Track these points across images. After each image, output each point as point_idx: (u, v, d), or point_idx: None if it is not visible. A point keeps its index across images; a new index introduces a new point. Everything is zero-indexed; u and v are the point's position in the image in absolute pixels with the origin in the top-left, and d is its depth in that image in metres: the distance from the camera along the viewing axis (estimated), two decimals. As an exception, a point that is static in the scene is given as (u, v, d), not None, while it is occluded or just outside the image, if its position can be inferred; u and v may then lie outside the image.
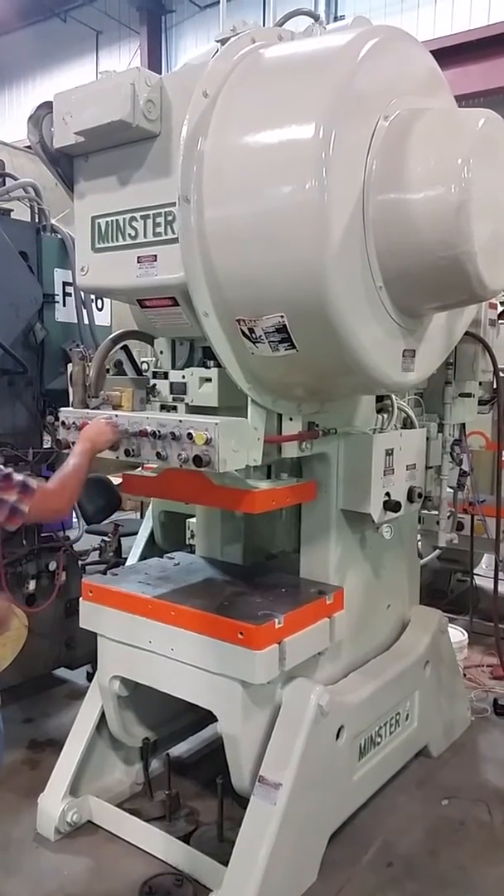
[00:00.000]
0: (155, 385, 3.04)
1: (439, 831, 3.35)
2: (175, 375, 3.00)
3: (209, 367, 2.88)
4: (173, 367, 3.11)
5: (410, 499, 3.44)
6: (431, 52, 2.87)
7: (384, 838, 3.27)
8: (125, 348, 3.54)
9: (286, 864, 2.81)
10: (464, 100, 3.07)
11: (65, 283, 4.14)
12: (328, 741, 3.02)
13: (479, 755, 4.02)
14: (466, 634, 4.81)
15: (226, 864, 2.79)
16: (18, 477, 2.39)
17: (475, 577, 5.64)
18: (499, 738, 4.19)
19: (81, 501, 4.28)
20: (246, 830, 2.80)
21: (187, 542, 3.98)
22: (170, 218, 2.65)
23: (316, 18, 3.02)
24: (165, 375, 3.03)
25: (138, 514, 7.38)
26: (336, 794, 3.15)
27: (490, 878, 3.08)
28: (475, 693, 4.58)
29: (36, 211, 4.14)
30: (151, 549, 4.08)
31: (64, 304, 4.16)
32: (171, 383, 2.99)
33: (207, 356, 2.96)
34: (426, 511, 3.98)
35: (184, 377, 2.95)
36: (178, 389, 2.97)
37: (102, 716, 3.36)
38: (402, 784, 3.65)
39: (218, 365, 2.80)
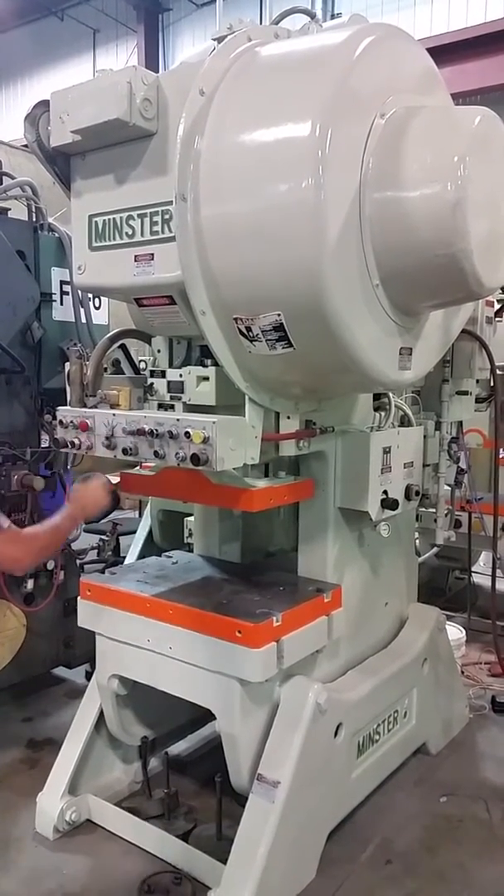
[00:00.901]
0: (152, 384, 3.04)
1: (438, 829, 3.36)
2: (172, 374, 2.99)
3: (206, 366, 2.88)
4: (171, 366, 3.11)
5: (408, 497, 3.44)
6: (428, 49, 2.86)
7: (383, 836, 3.28)
8: (123, 347, 3.54)
9: (285, 861, 2.82)
10: (460, 98, 3.06)
11: (62, 282, 4.14)
12: (326, 739, 3.03)
13: (477, 752, 4.03)
14: (464, 632, 4.82)
15: (224, 862, 2.80)
16: None
17: (473, 574, 5.65)
18: (497, 735, 4.20)
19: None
20: (244, 828, 2.80)
21: (185, 541, 3.98)
22: (167, 216, 2.64)
23: (312, 16, 3.01)
24: (163, 374, 3.03)
25: (136, 512, 7.37)
26: (334, 792, 3.15)
27: (488, 875, 3.08)
28: (473, 690, 4.58)
29: (33, 210, 4.14)
30: (150, 548, 4.08)
31: (61, 303, 4.15)
32: (169, 382, 2.99)
33: (205, 355, 2.96)
34: (424, 509, 3.99)
35: (181, 376, 2.94)
36: (176, 388, 2.96)
37: (101, 714, 3.36)
38: (400, 781, 3.65)
39: (215, 363, 2.80)
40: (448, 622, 4.25)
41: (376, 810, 3.42)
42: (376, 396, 3.44)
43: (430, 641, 3.81)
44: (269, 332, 2.53)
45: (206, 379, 2.86)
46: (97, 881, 3.02)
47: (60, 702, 4.45)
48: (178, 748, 3.77)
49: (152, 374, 3.07)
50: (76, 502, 2.78)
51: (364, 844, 3.22)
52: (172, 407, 2.97)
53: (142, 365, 3.65)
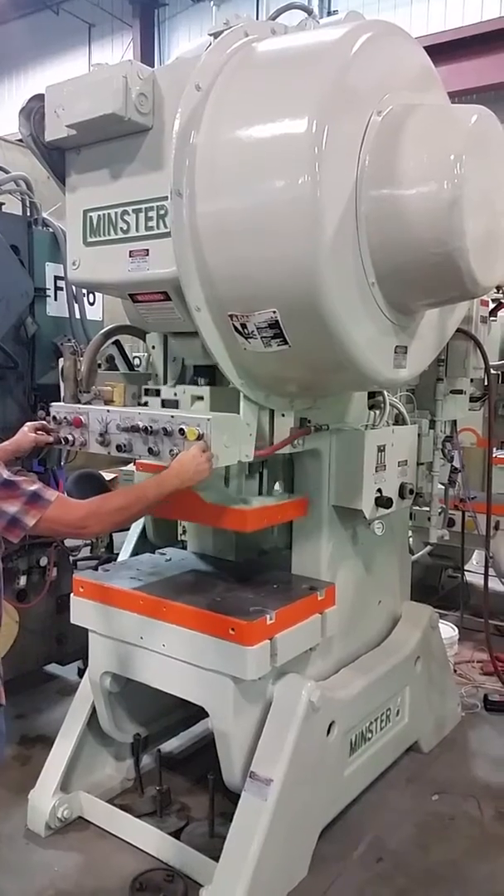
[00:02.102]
0: (147, 403, 3.03)
1: (429, 827, 3.36)
2: (167, 392, 3.00)
3: (200, 385, 2.88)
4: (164, 366, 3.10)
5: (402, 495, 3.44)
6: (424, 48, 2.86)
7: (375, 834, 3.28)
8: (117, 343, 3.52)
9: (277, 859, 2.82)
10: (456, 96, 3.06)
11: (56, 278, 4.12)
12: (319, 737, 3.03)
13: (469, 751, 4.04)
14: (457, 630, 4.83)
15: (217, 859, 2.79)
16: (30, 486, 2.17)
17: (466, 573, 5.67)
18: (489, 733, 4.21)
19: (73, 497, 4.26)
20: (237, 826, 2.80)
21: (179, 538, 3.97)
22: (162, 212, 2.63)
23: (309, 13, 3.00)
24: (157, 393, 3.02)
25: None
26: (327, 790, 3.15)
27: (480, 873, 3.09)
28: (465, 689, 4.60)
29: (27, 204, 4.11)
30: (143, 545, 4.06)
31: (55, 299, 4.13)
32: (163, 401, 2.98)
33: (199, 374, 2.96)
34: (417, 507, 3.99)
35: (175, 395, 2.94)
36: (170, 407, 2.97)
37: (93, 712, 3.35)
38: (392, 780, 3.66)
39: (209, 383, 2.81)
40: (441, 620, 4.26)
41: (368, 808, 3.42)
42: (371, 395, 3.44)
43: (423, 640, 3.81)
44: (264, 329, 2.52)
45: (201, 398, 2.86)
46: (89, 878, 3.01)
47: (53, 699, 4.44)
48: (171, 745, 3.77)
49: (146, 392, 3.07)
50: (177, 470, 2.49)
51: (356, 842, 3.22)
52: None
53: (136, 361, 3.64)
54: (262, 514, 3.02)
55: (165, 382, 3.13)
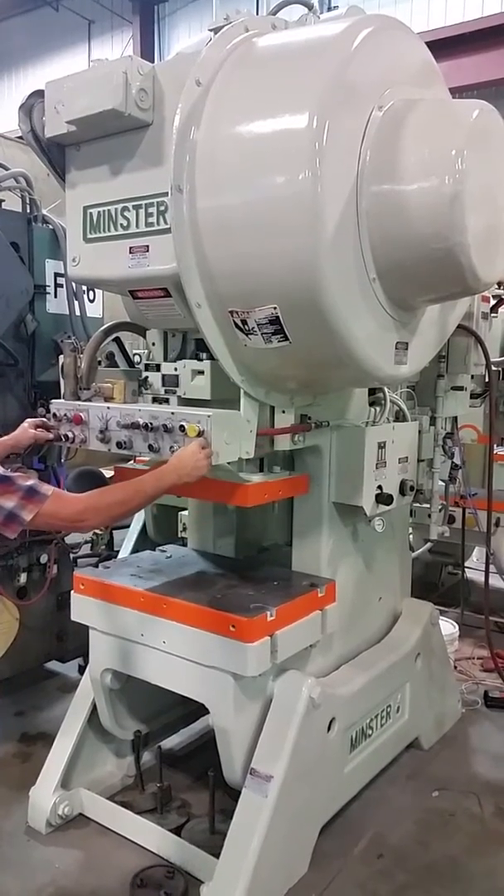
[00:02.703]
0: (147, 377, 3.02)
1: (430, 823, 3.37)
2: (167, 368, 2.98)
3: (202, 360, 2.87)
4: (165, 359, 3.09)
5: (402, 492, 3.44)
6: (425, 43, 2.85)
7: (375, 830, 3.29)
8: (117, 340, 3.52)
9: (277, 855, 2.82)
10: (457, 92, 3.05)
11: (56, 274, 4.11)
12: (319, 733, 3.03)
13: (469, 747, 4.04)
14: (457, 627, 4.83)
15: (217, 856, 2.80)
16: (25, 481, 2.20)
17: (466, 569, 5.67)
18: (489, 730, 4.21)
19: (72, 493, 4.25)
20: (237, 822, 2.80)
21: (179, 535, 3.97)
22: (162, 208, 2.63)
23: (310, 7, 2.99)
24: (157, 368, 3.01)
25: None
26: (327, 787, 3.15)
27: (480, 869, 3.09)
28: (466, 685, 4.60)
29: (27, 201, 4.10)
30: (143, 542, 4.09)
31: (55, 296, 4.12)
32: (164, 376, 2.97)
33: (200, 348, 2.94)
34: (418, 504, 3.99)
35: (176, 369, 2.93)
36: (171, 382, 2.95)
37: (94, 709, 3.35)
38: (393, 776, 3.66)
39: (210, 357, 2.78)
40: (441, 617, 4.26)
41: (369, 805, 3.43)
42: (371, 391, 3.43)
43: (424, 636, 3.81)
44: (264, 325, 2.51)
45: (202, 373, 2.84)
46: (90, 875, 3.01)
47: (53, 696, 4.44)
48: (171, 742, 3.77)
49: (147, 367, 3.05)
50: (175, 466, 2.49)
51: (356, 838, 3.22)
52: (167, 401, 2.95)
53: (136, 358, 3.63)
54: (263, 489, 3.00)
55: (166, 359, 3.11)
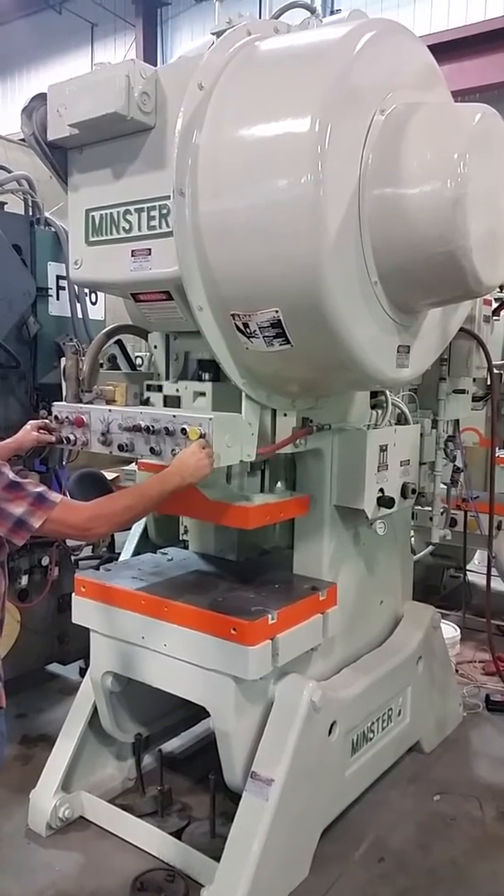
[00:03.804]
0: (149, 398, 3.02)
1: (431, 827, 3.36)
2: (169, 388, 2.98)
3: (203, 381, 2.87)
4: (167, 366, 3.10)
5: (404, 495, 3.44)
6: (427, 47, 2.85)
7: (376, 833, 3.28)
8: (119, 343, 3.52)
9: (278, 859, 2.81)
10: (459, 96, 3.05)
11: (58, 277, 4.12)
12: (321, 737, 3.02)
13: (470, 751, 4.03)
14: (459, 630, 4.82)
15: (218, 859, 2.79)
16: (35, 488, 2.18)
17: (468, 573, 5.66)
18: (490, 733, 4.20)
19: (74, 497, 4.25)
20: (238, 826, 2.80)
21: (181, 538, 3.97)
22: (164, 211, 2.63)
23: (312, 11, 2.99)
24: (159, 388, 3.01)
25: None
26: (328, 790, 3.15)
27: (481, 872, 3.09)
28: (467, 689, 4.59)
29: (30, 204, 4.11)
30: (145, 545, 4.06)
31: (57, 298, 4.13)
32: (165, 396, 2.97)
33: (203, 369, 2.95)
34: (420, 507, 3.99)
35: (178, 391, 2.93)
36: (172, 403, 2.96)
37: (95, 711, 3.35)
38: (394, 780, 3.65)
39: (213, 379, 2.79)
40: (443, 620, 4.25)
41: (370, 808, 3.42)
42: (373, 394, 3.43)
43: (425, 640, 3.80)
44: (266, 328, 2.51)
45: (203, 394, 2.85)
46: (90, 878, 3.01)
47: (54, 698, 4.43)
48: (172, 745, 3.76)
49: (149, 388, 3.06)
50: (177, 468, 2.48)
51: (357, 842, 3.22)
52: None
53: (138, 361, 3.64)
54: (265, 511, 3.01)
55: (168, 379, 3.12)
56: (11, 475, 2.16)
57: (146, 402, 3.04)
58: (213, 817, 3.15)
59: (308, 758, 2.92)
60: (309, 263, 2.34)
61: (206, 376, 2.87)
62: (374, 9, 11.58)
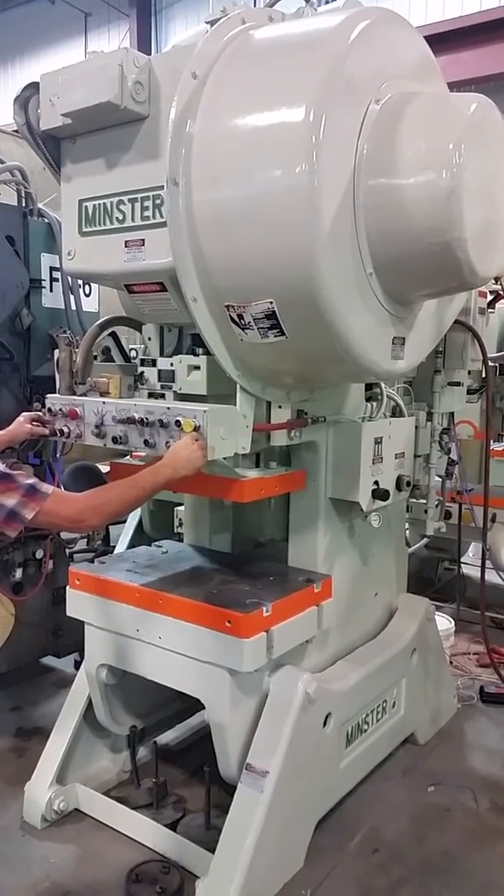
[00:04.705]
0: (143, 372, 3.01)
1: (425, 818, 3.37)
2: (163, 363, 2.96)
3: (198, 355, 2.85)
4: (161, 354, 3.08)
5: (399, 487, 3.44)
6: (423, 37, 2.83)
7: (371, 825, 3.29)
8: (113, 334, 3.50)
9: (273, 850, 2.82)
10: (455, 87, 3.03)
11: (52, 268, 4.09)
12: (315, 729, 3.03)
13: (465, 742, 4.05)
14: (453, 622, 4.84)
15: (213, 851, 2.80)
16: (26, 479, 2.18)
17: (462, 565, 5.67)
18: (485, 725, 4.22)
19: (69, 489, 4.24)
20: (233, 818, 2.80)
21: (175, 531, 3.97)
22: (158, 201, 2.61)
23: (307, 0, 2.97)
24: (153, 363, 3.00)
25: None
26: (323, 782, 3.16)
27: (475, 863, 3.10)
28: (461, 680, 4.60)
29: (23, 195, 4.08)
30: (140, 538, 4.07)
31: (51, 290, 4.11)
32: (160, 371, 2.96)
33: (196, 343, 2.93)
34: (414, 499, 3.99)
35: (172, 364, 2.91)
36: (167, 377, 2.93)
37: (89, 704, 3.34)
38: (388, 771, 3.66)
39: (207, 352, 2.76)
40: (437, 613, 4.26)
41: (364, 800, 3.43)
42: (368, 386, 3.43)
43: (420, 632, 3.81)
44: (261, 319, 2.50)
45: (198, 368, 2.82)
46: (85, 870, 3.01)
47: (49, 691, 4.43)
48: (167, 738, 3.76)
49: (143, 362, 3.04)
50: (170, 460, 2.48)
51: (352, 834, 3.23)
52: (163, 396, 2.94)
53: (132, 353, 3.62)
54: (260, 484, 2.99)
55: (162, 354, 3.09)
56: (2, 467, 2.15)
57: (140, 377, 3.01)
58: (207, 809, 3.15)
59: (303, 750, 2.93)
60: (303, 254, 2.32)
61: (201, 351, 2.85)
62: (370, -1, 11.52)
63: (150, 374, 2.98)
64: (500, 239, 2.70)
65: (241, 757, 2.88)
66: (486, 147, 2.51)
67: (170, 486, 2.57)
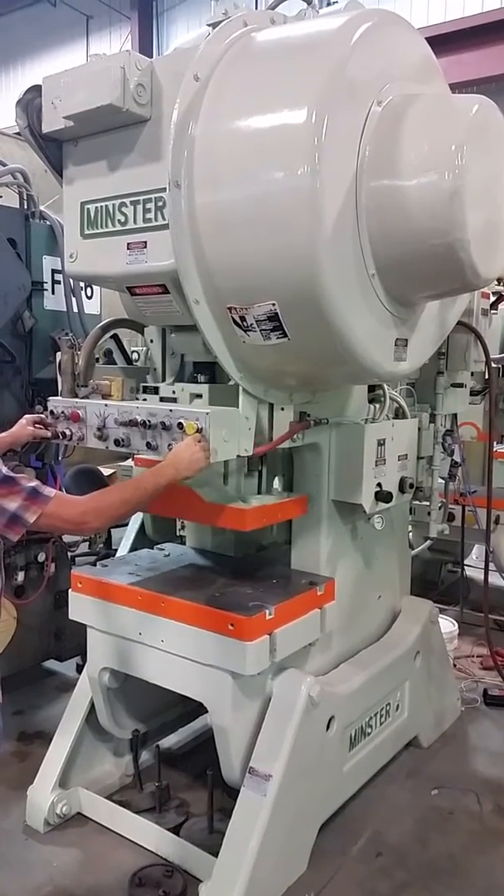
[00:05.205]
0: (145, 399, 3.01)
1: (429, 821, 3.36)
2: (165, 390, 2.96)
3: (200, 382, 2.85)
4: (163, 361, 3.07)
5: (402, 489, 3.43)
6: (425, 39, 2.83)
7: (374, 828, 3.28)
8: (115, 337, 3.50)
9: (276, 854, 2.81)
10: (457, 88, 3.02)
11: (54, 271, 4.09)
12: (319, 732, 3.02)
13: (468, 745, 4.03)
14: (456, 625, 4.82)
15: (216, 855, 2.79)
16: (28, 483, 2.17)
17: (466, 567, 5.66)
18: (488, 728, 4.21)
19: (71, 492, 4.23)
20: (236, 821, 2.79)
21: (178, 534, 3.96)
22: (160, 204, 2.61)
23: (309, 2, 2.97)
24: (156, 390, 2.99)
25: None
26: (326, 785, 3.14)
27: (479, 866, 3.09)
28: (465, 683, 4.59)
29: (25, 197, 4.08)
30: (142, 541, 4.05)
31: (53, 292, 4.10)
32: (161, 398, 2.96)
33: (198, 371, 2.93)
34: (417, 502, 3.98)
35: (174, 392, 2.92)
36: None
37: (92, 708, 3.34)
38: (392, 774, 3.65)
39: (209, 380, 2.78)
40: (440, 615, 4.25)
41: (368, 803, 3.42)
42: (371, 388, 3.42)
43: (423, 634, 3.80)
44: (263, 321, 2.50)
45: (200, 396, 2.83)
46: (88, 874, 3.01)
47: (51, 695, 4.43)
48: (170, 741, 3.76)
49: (145, 389, 3.04)
50: (172, 461, 2.47)
51: (355, 837, 3.22)
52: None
53: (134, 355, 3.62)
54: (262, 512, 3.00)
55: (164, 379, 3.10)
56: (5, 470, 2.14)
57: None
58: (210, 813, 3.14)
59: (306, 753, 2.92)
60: (306, 255, 2.32)
61: (202, 378, 2.86)
62: (372, 0, 11.52)
63: (152, 401, 2.97)
64: (503, 240, 2.69)
65: (244, 760, 2.87)
66: (488, 148, 2.50)
67: (172, 512, 2.55)
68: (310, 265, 2.32)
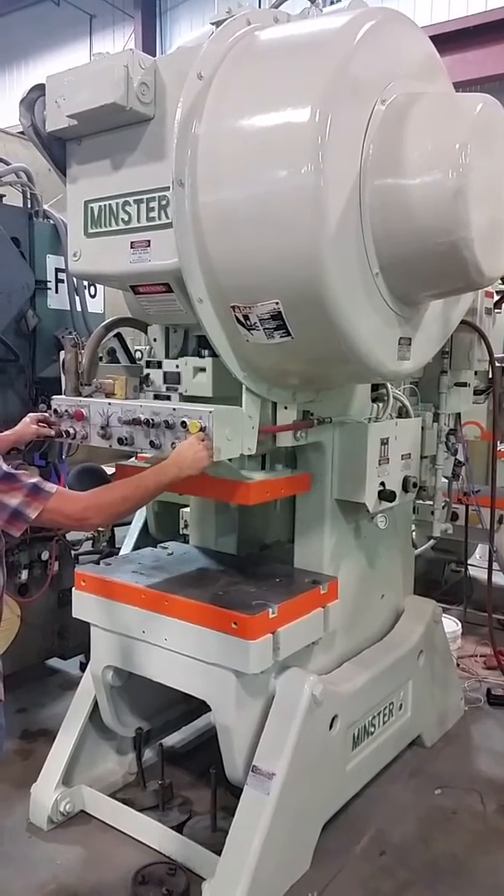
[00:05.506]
0: (148, 374, 3.01)
1: (432, 820, 3.36)
2: (169, 365, 2.96)
3: (203, 357, 2.85)
4: (167, 356, 3.08)
5: (405, 488, 3.43)
6: (429, 37, 2.82)
7: (377, 827, 3.28)
8: (118, 336, 3.50)
9: (279, 853, 2.81)
10: (461, 87, 3.03)
11: (57, 270, 4.09)
12: (322, 731, 3.02)
13: (472, 745, 4.03)
14: (460, 624, 4.82)
15: (219, 853, 2.79)
16: (29, 479, 2.17)
17: (469, 567, 5.65)
18: (492, 727, 4.20)
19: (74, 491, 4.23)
20: (239, 820, 2.79)
21: (181, 532, 3.97)
22: (164, 202, 2.61)
23: (312, 0, 2.97)
24: (159, 365, 2.99)
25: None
26: (329, 784, 3.14)
27: (482, 866, 3.09)
28: (468, 683, 4.59)
29: (28, 196, 4.09)
30: (145, 539, 4.07)
31: (56, 291, 4.11)
32: (165, 373, 2.96)
33: (202, 345, 2.93)
34: (421, 501, 3.98)
35: (177, 367, 2.91)
36: (172, 379, 2.93)
37: (95, 706, 3.34)
38: (395, 774, 3.65)
39: (212, 354, 2.76)
40: (444, 615, 4.24)
41: (371, 802, 3.42)
42: (374, 387, 3.42)
43: (426, 634, 3.80)
44: (266, 320, 2.50)
45: (203, 370, 2.82)
46: (91, 872, 3.01)
47: (55, 693, 4.43)
48: (173, 739, 3.76)
49: (148, 364, 3.04)
50: (175, 460, 2.47)
51: (358, 836, 3.21)
52: (168, 398, 2.94)
53: (138, 354, 3.62)
54: (265, 486, 2.99)
55: (167, 355, 3.08)
56: (6, 467, 2.15)
57: (146, 379, 3.01)
58: (214, 811, 3.14)
59: (309, 752, 2.92)
60: (309, 254, 2.32)
61: (206, 353, 2.84)
62: None
63: (156, 375, 2.98)
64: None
65: (248, 759, 2.87)
66: (492, 147, 2.50)
67: (175, 487, 2.56)
68: (313, 264, 2.32)
